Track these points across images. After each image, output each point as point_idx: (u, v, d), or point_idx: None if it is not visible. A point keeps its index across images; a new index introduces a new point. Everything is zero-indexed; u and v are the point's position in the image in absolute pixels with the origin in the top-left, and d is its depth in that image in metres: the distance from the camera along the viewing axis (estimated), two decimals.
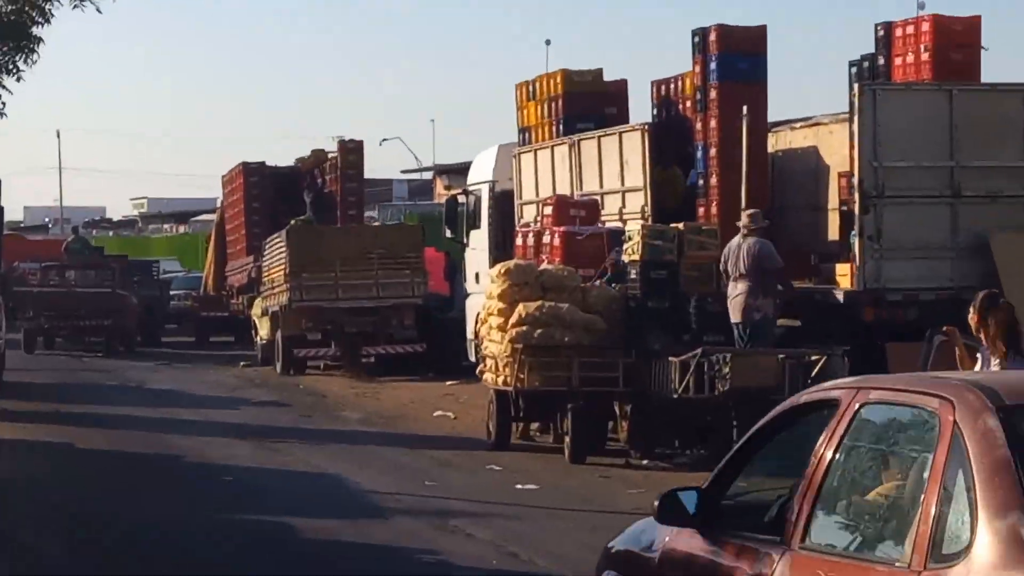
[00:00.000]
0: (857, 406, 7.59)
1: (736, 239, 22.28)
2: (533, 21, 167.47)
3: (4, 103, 16.74)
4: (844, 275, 22.16)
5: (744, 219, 22.45)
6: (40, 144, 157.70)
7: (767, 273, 22.08)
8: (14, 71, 16.23)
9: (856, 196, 21.81)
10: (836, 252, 23.07)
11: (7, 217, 34.00)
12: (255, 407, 29.79)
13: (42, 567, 14.42)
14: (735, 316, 21.93)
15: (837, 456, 7.52)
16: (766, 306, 21.97)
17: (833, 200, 24.14)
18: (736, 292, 21.96)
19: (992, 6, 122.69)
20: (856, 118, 21.90)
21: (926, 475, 6.88)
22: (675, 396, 21.62)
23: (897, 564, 6.73)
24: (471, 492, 19.53)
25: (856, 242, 21.81)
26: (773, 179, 25.23)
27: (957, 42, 23.90)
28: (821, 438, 7.59)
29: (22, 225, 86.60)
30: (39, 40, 16.29)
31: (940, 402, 6.96)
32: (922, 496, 6.80)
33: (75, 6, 16.46)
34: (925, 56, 23.62)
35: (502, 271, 23.99)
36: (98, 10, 16.73)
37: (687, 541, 8.75)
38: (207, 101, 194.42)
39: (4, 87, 16.58)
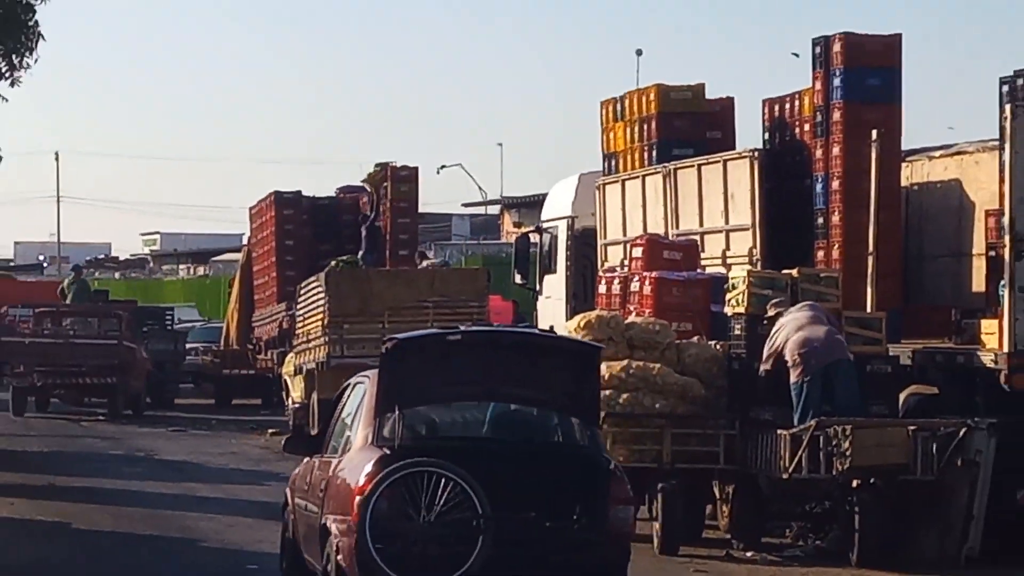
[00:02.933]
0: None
1: (791, 314, 22.19)
2: (622, 26, 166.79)
3: None
4: (991, 333, 22.09)
5: (771, 311, 22.49)
6: (35, 169, 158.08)
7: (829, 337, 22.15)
8: (7, 75, 16.35)
9: (1007, 239, 21.78)
10: (982, 306, 23.02)
11: None
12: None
13: None
14: (803, 365, 21.90)
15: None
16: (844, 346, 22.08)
17: (979, 244, 24.13)
18: (815, 336, 21.88)
19: None
20: (1008, 146, 21.85)
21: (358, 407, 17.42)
22: (785, 476, 21.68)
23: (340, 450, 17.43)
24: None
25: (1006, 294, 21.76)
26: (907, 218, 25.25)
27: None
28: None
29: (12, 264, 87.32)
30: (39, 35, 16.31)
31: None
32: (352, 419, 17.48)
33: None
34: None
35: (582, 324, 24.13)
36: None
37: None
38: (230, 121, 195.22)
39: None
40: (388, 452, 15.53)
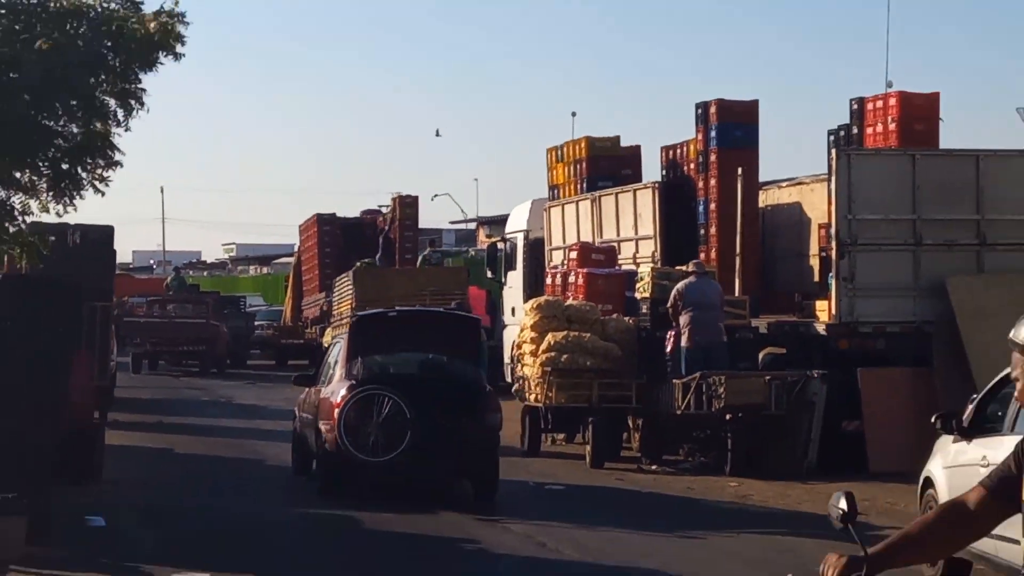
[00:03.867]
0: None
1: (688, 280, 22.24)
2: (562, 94, 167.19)
3: (117, 156, 16.50)
4: (823, 311, 22.15)
5: (691, 267, 22.54)
6: (146, 198, 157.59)
7: (722, 307, 22.23)
8: (124, 122, 16.04)
9: (833, 244, 21.77)
10: (816, 291, 23.08)
11: (118, 260, 34.13)
12: None
13: (143, 555, 14.46)
14: (706, 335, 21.98)
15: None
16: (722, 332, 22.10)
17: (814, 247, 24.21)
18: (704, 321, 21.93)
19: (949, 82, 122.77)
20: (834, 178, 21.91)
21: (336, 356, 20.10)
22: (679, 412, 21.69)
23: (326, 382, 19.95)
24: (507, 492, 19.52)
25: (833, 283, 21.76)
26: (763, 230, 25.27)
27: (919, 115, 23.92)
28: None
29: (131, 266, 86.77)
30: (142, 91, 16.00)
31: None
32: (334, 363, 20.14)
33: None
34: (892, 126, 23.66)
35: (534, 306, 24.11)
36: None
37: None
38: (286, 160, 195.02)
39: (117, 147, 16.44)
40: (354, 383, 18.86)
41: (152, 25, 15.62)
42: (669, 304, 22.22)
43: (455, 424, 18.61)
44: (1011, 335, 4.80)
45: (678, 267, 24.18)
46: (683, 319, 21.90)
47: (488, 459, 18.89)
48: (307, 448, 20.54)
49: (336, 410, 18.43)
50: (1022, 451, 4.88)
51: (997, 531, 12.56)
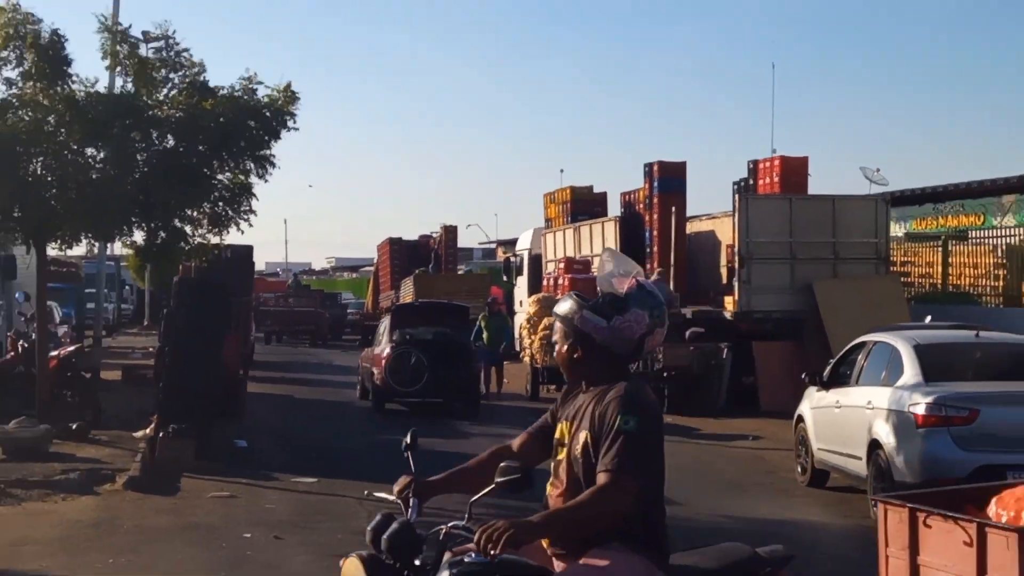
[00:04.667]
0: None
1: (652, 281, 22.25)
2: (553, 155, 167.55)
3: (255, 202, 16.51)
4: (730, 303, 22.14)
5: (655, 274, 22.49)
6: (275, 225, 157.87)
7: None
8: (261, 176, 16.07)
9: (736, 259, 21.83)
10: (724, 290, 23.05)
11: (255, 268, 34.25)
12: None
13: (273, 466, 14.53)
14: None
15: None
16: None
17: (723, 261, 24.17)
18: None
19: (816, 145, 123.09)
20: (737, 214, 21.91)
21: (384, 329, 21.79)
22: (632, 371, 21.64)
23: (379, 344, 22.31)
24: (517, 420, 19.47)
25: (736, 285, 21.80)
26: (689, 249, 25.21)
27: (794, 171, 23.93)
28: None
29: (264, 273, 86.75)
30: (272, 155, 16.04)
31: None
32: (383, 333, 22.35)
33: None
34: (776, 179, 23.72)
35: (535, 299, 24.26)
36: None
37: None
38: (369, 198, 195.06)
39: (255, 195, 16.47)
40: (393, 344, 20.67)
41: (278, 101, 15.66)
42: None
43: (453, 369, 20.53)
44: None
45: None
46: None
47: (472, 390, 21.29)
48: (366, 383, 22.60)
49: (383, 361, 20.72)
50: (555, 409, 4.74)
51: (847, 451, 12.77)
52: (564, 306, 4.63)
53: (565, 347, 4.60)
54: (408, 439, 4.99)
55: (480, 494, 4.49)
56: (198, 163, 15.60)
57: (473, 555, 4.18)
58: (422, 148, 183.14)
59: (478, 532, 4.11)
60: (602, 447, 4.28)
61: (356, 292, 61.38)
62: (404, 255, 41.95)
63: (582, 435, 4.40)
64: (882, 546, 6.16)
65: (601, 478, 4.24)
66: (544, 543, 4.48)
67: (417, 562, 4.36)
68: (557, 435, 4.61)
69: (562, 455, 4.52)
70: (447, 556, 4.32)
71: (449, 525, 4.46)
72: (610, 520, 4.26)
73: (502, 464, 4.34)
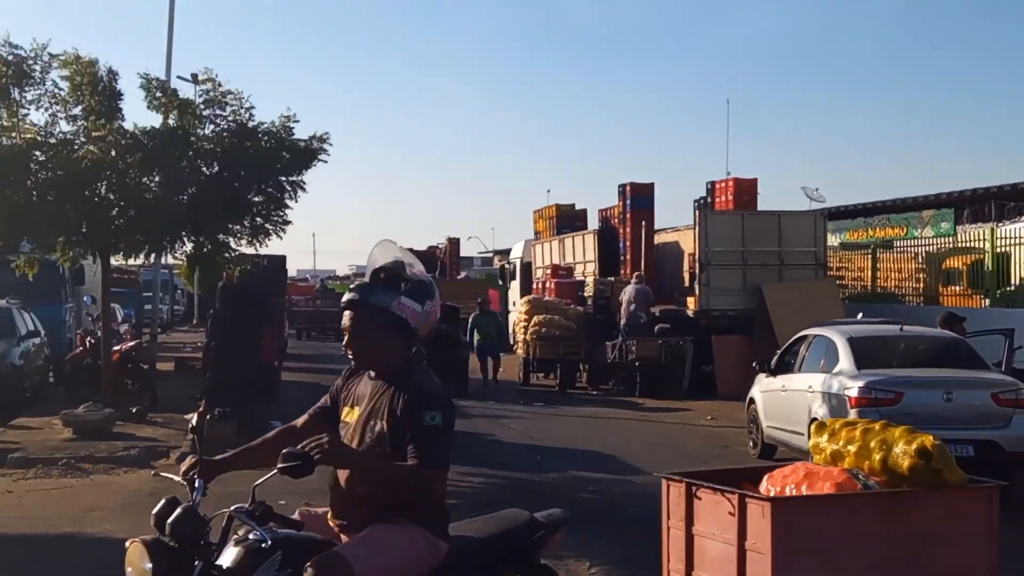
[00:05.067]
0: None
1: (629, 286, 22.26)
2: (542, 176, 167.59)
3: (288, 216, 16.46)
4: (692, 303, 22.11)
5: (633, 278, 22.51)
6: (304, 237, 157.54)
7: (644, 301, 22.10)
8: (292, 197, 16.05)
9: (697, 265, 21.82)
10: (688, 291, 23.02)
11: (288, 275, 34.16)
12: None
13: None
14: (626, 320, 21.87)
15: None
16: (643, 316, 21.96)
17: (686, 267, 24.14)
18: (630, 309, 21.90)
19: (765, 170, 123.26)
20: (698, 227, 21.91)
21: None
22: (609, 361, 21.66)
23: None
24: (512, 406, 19.51)
25: (697, 287, 21.79)
26: (657, 257, 25.19)
27: (746, 191, 23.89)
28: None
29: (295, 278, 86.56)
30: (303, 182, 16.03)
31: None
32: None
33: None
34: (730, 198, 23.65)
35: (526, 300, 24.11)
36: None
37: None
38: (383, 212, 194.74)
39: (287, 212, 16.42)
40: None
41: (310, 142, 15.70)
42: (621, 298, 22.17)
43: (445, 357, 19.51)
44: (356, 295, 4.14)
45: (609, 277, 24.20)
46: (622, 309, 21.98)
47: (461, 374, 21.13)
48: None
49: None
50: (335, 392, 4.36)
51: (791, 427, 12.75)
52: (378, 294, 4.11)
53: (369, 333, 4.10)
54: (193, 421, 4.44)
55: (263, 479, 4.10)
56: (239, 187, 15.63)
57: (258, 532, 3.89)
58: (434, 170, 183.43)
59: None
60: (407, 440, 3.95)
61: None
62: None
63: (377, 424, 4.04)
64: (664, 518, 5.94)
65: (411, 463, 3.93)
66: (330, 519, 4.20)
67: (202, 542, 3.98)
68: (344, 417, 4.24)
69: (350, 437, 4.13)
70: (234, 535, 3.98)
71: (232, 508, 4.07)
72: (404, 495, 3.98)
73: (284, 451, 3.82)
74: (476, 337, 23.82)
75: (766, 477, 5.61)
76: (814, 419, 11.32)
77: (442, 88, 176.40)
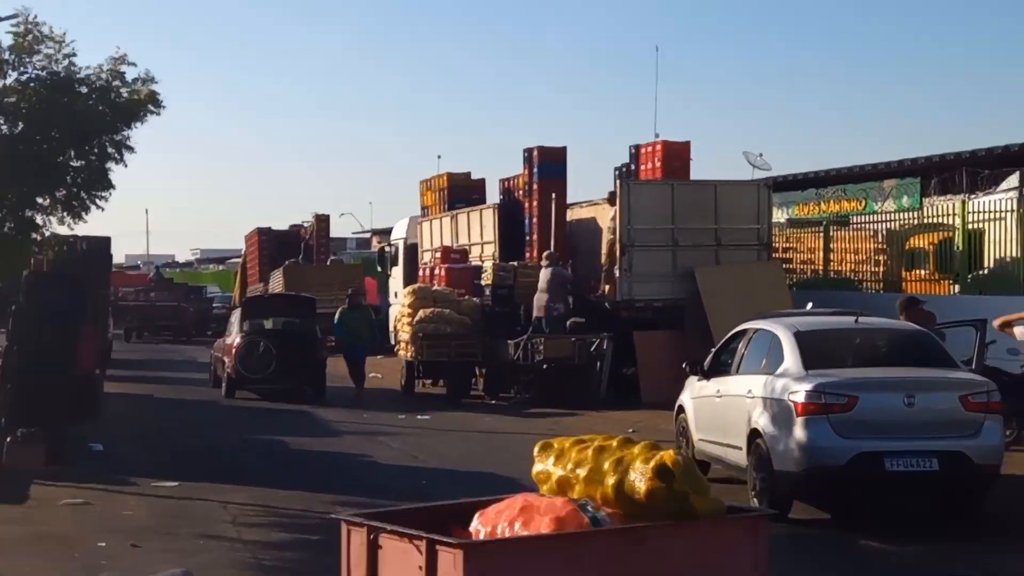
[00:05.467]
0: None
1: (542, 270, 22.39)
2: (431, 140, 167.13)
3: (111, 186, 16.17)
4: (611, 292, 22.33)
5: (544, 259, 22.62)
6: (135, 215, 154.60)
7: (560, 287, 22.23)
8: (119, 161, 15.78)
9: (618, 246, 22.00)
10: (607, 278, 23.17)
11: (114, 261, 33.49)
12: None
13: (130, 470, 14.25)
14: (539, 313, 22.03)
15: None
16: (560, 308, 22.13)
17: (604, 248, 24.31)
18: (541, 299, 22.04)
19: (700, 132, 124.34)
20: (618, 200, 22.07)
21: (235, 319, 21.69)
22: (511, 363, 21.75)
23: (231, 334, 23.89)
24: (391, 421, 19.49)
25: (618, 272, 21.98)
26: (570, 236, 25.29)
27: (676, 156, 24.06)
28: None
29: (124, 266, 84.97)
30: (128, 141, 15.76)
31: None
32: (234, 323, 23.32)
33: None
34: (658, 164, 23.85)
35: (410, 290, 24.10)
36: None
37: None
38: (235, 187, 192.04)
39: (111, 181, 16.11)
40: (243, 335, 22.84)
41: (142, 93, 15.42)
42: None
43: (299, 357, 22.51)
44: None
45: (511, 262, 24.30)
46: (535, 299, 22.13)
47: (319, 376, 23.02)
48: (218, 372, 24.54)
49: (233, 350, 22.85)
50: None
51: (728, 440, 12.94)
52: None
53: None
54: None
55: None
56: (50, 150, 15.30)
57: None
58: (294, 135, 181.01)
59: None
60: None
61: (223, 285, 60.48)
62: (274, 246, 41.39)
63: None
64: (344, 573, 5.52)
65: None
66: None
67: None
68: None
69: None
70: None
71: None
72: None
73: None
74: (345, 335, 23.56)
75: (478, 514, 5.36)
76: (754, 430, 11.63)
77: (304, 34, 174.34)
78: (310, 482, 13.59)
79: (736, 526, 5.35)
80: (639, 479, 5.14)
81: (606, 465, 5.27)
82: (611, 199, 23.40)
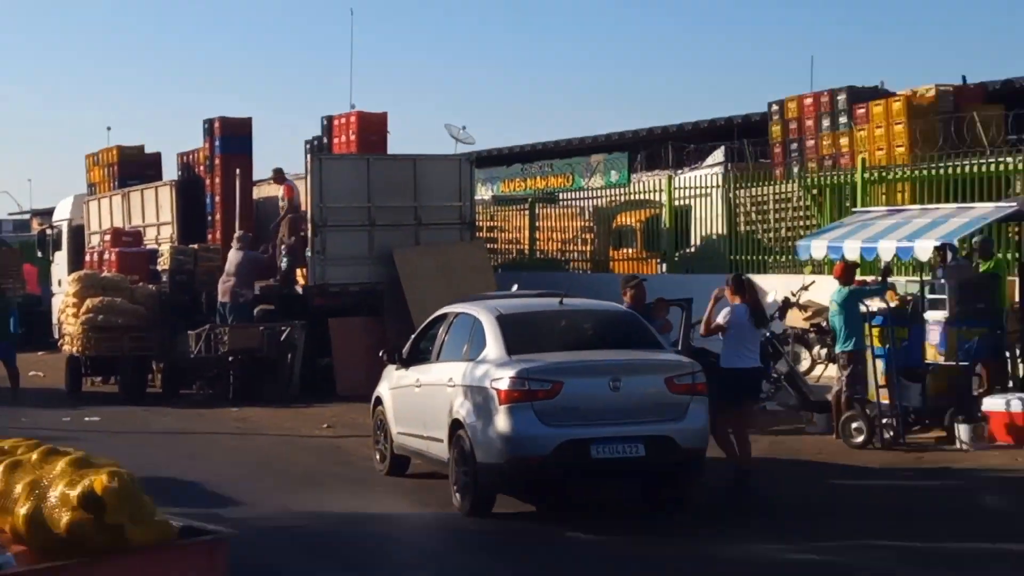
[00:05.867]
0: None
1: (231, 252, 22.06)
2: (99, 110, 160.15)
3: None
4: (303, 275, 22.12)
5: (235, 241, 22.28)
6: None
7: (251, 272, 21.98)
8: None
9: (310, 226, 21.82)
10: (302, 260, 22.81)
11: None
12: None
13: None
14: (224, 298, 21.70)
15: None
16: (247, 294, 21.85)
17: (297, 228, 24.11)
18: (227, 284, 21.72)
19: (398, 105, 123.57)
20: (309, 177, 21.90)
21: None
22: (192, 356, 21.29)
23: None
24: (54, 423, 18.67)
25: (310, 254, 21.82)
26: (257, 216, 24.91)
27: (373, 129, 24.12)
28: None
29: None
30: None
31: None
32: None
33: None
34: (353, 138, 23.84)
35: (75, 278, 23.27)
36: None
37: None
38: None
39: None
40: None
41: None
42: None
43: None
44: None
45: (191, 245, 23.77)
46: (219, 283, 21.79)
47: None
48: None
49: None
50: None
51: (428, 433, 13.07)
52: None
53: None
54: None
55: None
56: None
57: None
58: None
59: None
60: None
61: None
62: None
63: None
64: None
65: None
66: None
67: None
68: None
69: None
70: None
71: None
72: None
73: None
74: None
75: None
76: (456, 421, 11.75)
77: None
78: None
79: (185, 553, 4.92)
80: (60, 509, 4.49)
81: (19, 488, 4.62)
82: (277, 176, 23.32)
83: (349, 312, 21.65)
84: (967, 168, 18.07)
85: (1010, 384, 15.12)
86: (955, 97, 21.68)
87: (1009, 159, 17.99)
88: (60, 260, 30.80)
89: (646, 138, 33.53)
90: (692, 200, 22.94)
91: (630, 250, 23.99)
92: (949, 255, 15.10)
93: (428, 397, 12.63)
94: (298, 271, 22.37)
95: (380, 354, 14.09)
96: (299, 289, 22.13)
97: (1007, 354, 15.34)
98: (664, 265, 22.65)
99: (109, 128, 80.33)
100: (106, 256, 24.76)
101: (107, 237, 26.22)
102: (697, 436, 11.42)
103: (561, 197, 28.62)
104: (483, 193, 33.64)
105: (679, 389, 11.36)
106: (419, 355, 13.35)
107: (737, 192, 21.93)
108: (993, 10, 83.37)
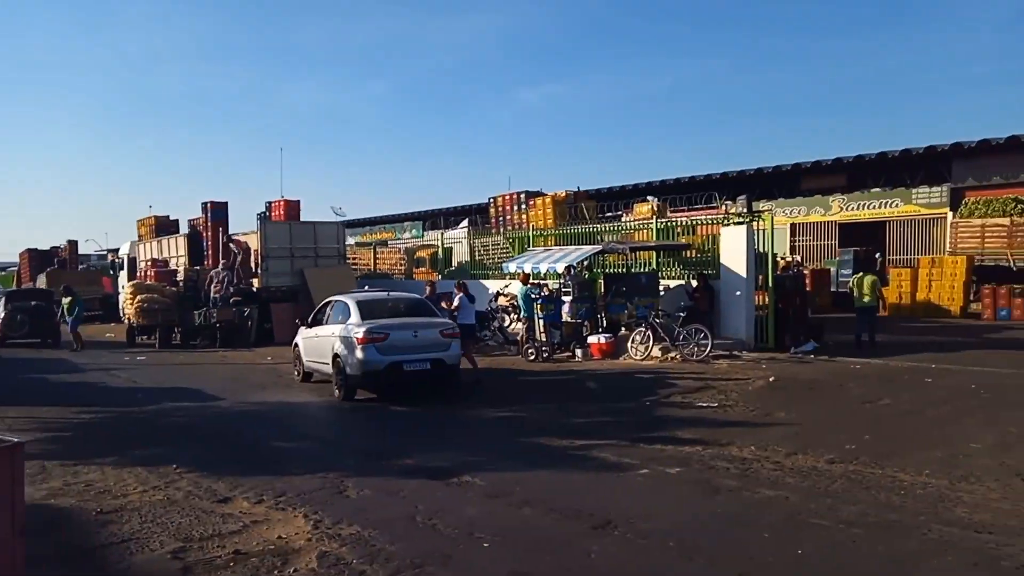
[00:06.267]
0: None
1: (215, 271, 20.54)
2: (142, 192, 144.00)
3: None
4: (258, 282, 20.68)
5: (221, 266, 20.78)
6: None
7: (226, 281, 20.49)
8: None
9: (260, 258, 20.63)
10: (255, 275, 21.25)
11: None
12: None
13: None
14: (213, 295, 20.07)
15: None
16: (226, 292, 20.31)
17: (253, 258, 22.67)
18: (215, 287, 20.12)
19: (307, 193, 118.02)
20: (260, 231, 20.73)
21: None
22: (196, 324, 19.75)
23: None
24: (119, 361, 17.04)
25: (261, 272, 20.56)
26: (228, 253, 23.26)
27: (293, 208, 22.95)
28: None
29: None
30: None
31: None
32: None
33: None
34: (283, 212, 22.64)
35: (132, 284, 21.23)
36: None
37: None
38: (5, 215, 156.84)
39: None
40: (7, 311, 20.24)
41: None
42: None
43: (40, 323, 20.61)
44: None
45: (196, 267, 21.94)
46: (210, 287, 20.08)
47: (54, 334, 20.54)
48: None
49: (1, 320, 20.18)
50: None
51: (322, 360, 12.56)
52: None
53: None
54: None
55: None
56: None
57: None
58: (55, 172, 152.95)
59: None
60: None
61: (5, 284, 50.55)
62: (39, 259, 35.40)
63: None
64: None
65: None
66: None
67: None
68: None
69: None
70: None
71: None
72: None
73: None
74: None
75: None
76: (336, 354, 11.40)
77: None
78: (64, 401, 11.59)
79: None
80: None
81: None
82: (230, 239, 21.84)
83: (282, 300, 20.62)
84: (579, 230, 18.56)
85: (600, 329, 15.56)
86: (575, 196, 22.41)
87: (599, 226, 18.58)
88: (123, 276, 28.23)
89: (430, 213, 33.46)
90: (453, 244, 22.97)
91: (423, 268, 23.77)
92: (571, 270, 15.40)
93: (322, 342, 12.21)
94: (254, 280, 21.18)
95: (296, 321, 13.56)
96: (255, 289, 20.98)
97: (599, 315, 15.83)
98: (440, 276, 22.49)
99: (151, 206, 75.28)
100: (149, 273, 22.83)
101: (149, 263, 24.21)
102: (455, 358, 11.45)
103: (390, 243, 28.19)
104: (351, 240, 32.77)
105: (445, 335, 11.37)
106: (317, 321, 12.88)
107: (475, 240, 22.03)
108: (603, 149, 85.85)
